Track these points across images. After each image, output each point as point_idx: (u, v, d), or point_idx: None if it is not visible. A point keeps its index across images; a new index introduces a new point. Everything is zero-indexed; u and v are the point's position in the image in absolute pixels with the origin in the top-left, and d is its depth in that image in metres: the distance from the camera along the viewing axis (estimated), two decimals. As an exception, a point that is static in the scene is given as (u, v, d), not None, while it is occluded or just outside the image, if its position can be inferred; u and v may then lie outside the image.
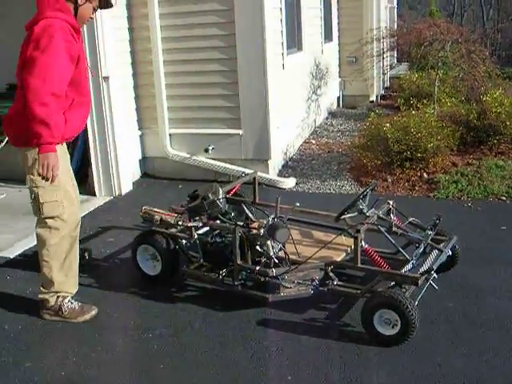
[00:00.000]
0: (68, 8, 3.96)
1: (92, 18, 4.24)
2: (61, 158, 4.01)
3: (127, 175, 7.17)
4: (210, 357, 3.84)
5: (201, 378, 3.64)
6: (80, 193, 6.82)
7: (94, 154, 6.85)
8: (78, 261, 4.33)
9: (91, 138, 6.79)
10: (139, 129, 7.69)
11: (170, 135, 7.59)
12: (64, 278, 4.24)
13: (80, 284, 4.58)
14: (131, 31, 7.37)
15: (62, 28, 3.86)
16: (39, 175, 3.94)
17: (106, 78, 6.51)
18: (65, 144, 4.17)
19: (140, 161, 7.77)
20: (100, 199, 6.85)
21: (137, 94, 7.60)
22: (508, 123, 7.93)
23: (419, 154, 7.30)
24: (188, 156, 7.57)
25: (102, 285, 4.87)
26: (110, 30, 6.64)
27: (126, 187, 7.12)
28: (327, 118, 11.55)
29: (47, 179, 3.95)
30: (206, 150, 7.51)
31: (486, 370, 3.59)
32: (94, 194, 6.95)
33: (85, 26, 6.22)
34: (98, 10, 4.21)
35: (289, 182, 7.43)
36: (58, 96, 3.83)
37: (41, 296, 4.31)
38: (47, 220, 4.08)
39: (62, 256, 4.18)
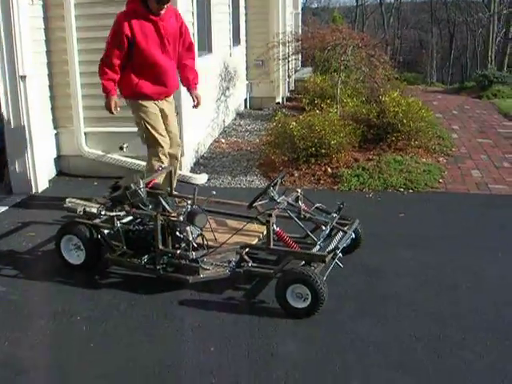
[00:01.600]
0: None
1: (161, 9, 5.54)
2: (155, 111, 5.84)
3: (43, 173, 7.28)
4: (138, 335, 4.11)
5: (131, 354, 3.90)
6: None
7: (10, 153, 6.95)
8: None
9: (8, 137, 6.87)
10: (54, 128, 7.79)
11: (85, 134, 7.71)
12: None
13: (5, 276, 4.89)
14: (47, 32, 7.45)
15: (124, 18, 5.54)
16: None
17: (23, 77, 6.60)
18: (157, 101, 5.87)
19: (55, 159, 7.87)
20: (17, 196, 6.95)
21: (52, 93, 7.68)
22: (405, 121, 8.45)
23: (323, 151, 7.74)
24: (103, 154, 7.74)
25: (28, 275, 5.03)
26: (28, 30, 6.74)
27: (43, 185, 7.24)
28: (235, 119, 11.86)
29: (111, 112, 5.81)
30: (121, 148, 7.70)
31: (386, 335, 4.04)
32: (10, 192, 7.05)
33: (2, 26, 6.43)
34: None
35: (201, 178, 7.72)
36: (111, 66, 5.57)
37: None
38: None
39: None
